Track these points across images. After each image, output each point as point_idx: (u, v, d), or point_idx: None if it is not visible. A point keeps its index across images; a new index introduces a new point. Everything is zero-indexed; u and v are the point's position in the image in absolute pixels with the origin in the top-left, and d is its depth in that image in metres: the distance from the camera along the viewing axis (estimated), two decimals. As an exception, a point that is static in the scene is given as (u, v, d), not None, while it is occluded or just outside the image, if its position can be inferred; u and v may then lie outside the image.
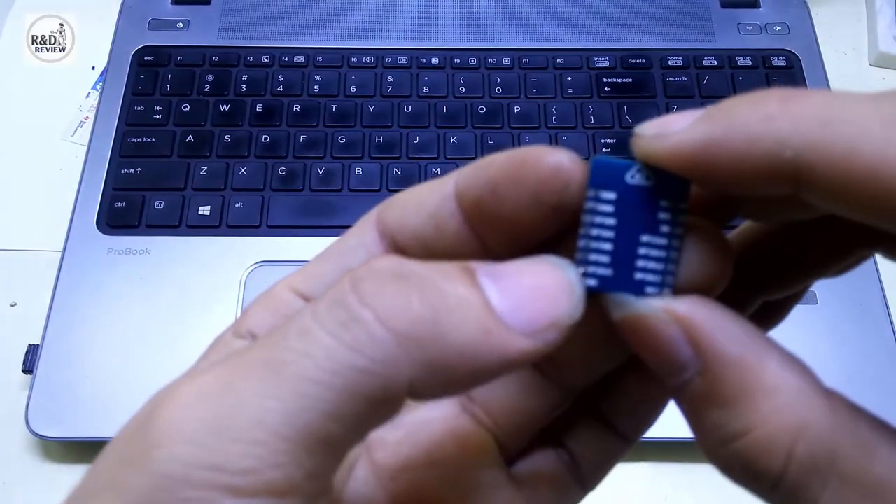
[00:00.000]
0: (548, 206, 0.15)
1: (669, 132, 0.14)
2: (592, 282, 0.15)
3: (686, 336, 0.14)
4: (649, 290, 0.15)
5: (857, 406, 0.14)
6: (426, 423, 0.18)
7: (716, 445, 0.14)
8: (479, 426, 0.18)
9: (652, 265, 0.15)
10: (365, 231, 0.17)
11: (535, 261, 0.14)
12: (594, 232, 0.15)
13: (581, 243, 0.15)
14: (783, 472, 0.13)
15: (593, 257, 0.15)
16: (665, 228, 0.15)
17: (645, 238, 0.15)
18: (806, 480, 0.13)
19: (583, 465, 0.19)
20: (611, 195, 0.15)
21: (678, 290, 0.15)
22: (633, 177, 0.15)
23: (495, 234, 0.16)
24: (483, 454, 0.18)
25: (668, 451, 0.42)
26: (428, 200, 0.16)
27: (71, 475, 0.42)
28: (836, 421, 0.13)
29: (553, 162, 0.15)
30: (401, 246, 0.16)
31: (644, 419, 0.19)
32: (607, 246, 0.15)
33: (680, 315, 0.14)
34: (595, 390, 0.19)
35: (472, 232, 0.16)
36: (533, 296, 0.14)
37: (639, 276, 0.15)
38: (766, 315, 0.19)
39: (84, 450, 0.43)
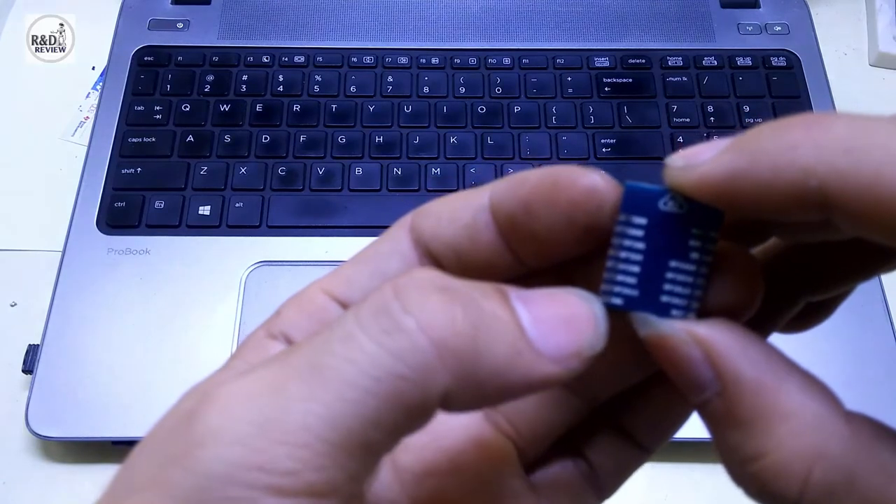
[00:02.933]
0: (580, 227, 0.15)
1: (697, 163, 0.14)
2: (618, 300, 0.15)
3: (706, 358, 0.14)
4: (674, 312, 0.15)
5: (882, 427, 0.14)
6: (449, 429, 0.18)
7: (734, 465, 0.14)
8: (501, 434, 0.18)
9: (678, 289, 0.15)
10: (399, 238, 0.17)
11: (565, 291, 0.15)
12: (623, 255, 0.15)
13: (610, 263, 0.15)
14: (800, 497, 0.13)
15: (620, 278, 0.15)
16: (694, 255, 0.15)
17: (673, 263, 0.15)
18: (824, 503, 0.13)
19: (600, 475, 0.19)
20: (642, 220, 0.15)
21: (705, 314, 0.15)
22: (666, 204, 0.15)
23: (528, 249, 0.16)
24: (504, 461, 0.18)
25: (668, 451, 0.42)
26: (462, 212, 0.16)
27: (71, 475, 0.42)
28: (856, 446, 0.13)
29: (587, 184, 0.15)
30: (434, 254, 0.16)
31: (665, 431, 0.19)
32: (635, 268, 0.15)
33: (701, 337, 0.14)
34: (615, 401, 0.19)
35: (505, 244, 0.16)
36: (561, 324, 0.14)
37: (665, 298, 0.15)
38: (811, 313, 0.19)
39: (84, 450, 0.43)
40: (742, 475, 0.14)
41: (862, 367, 0.44)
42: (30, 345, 0.43)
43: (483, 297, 0.14)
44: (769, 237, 0.17)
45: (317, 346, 0.13)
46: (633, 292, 0.15)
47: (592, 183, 0.15)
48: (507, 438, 0.18)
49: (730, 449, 0.14)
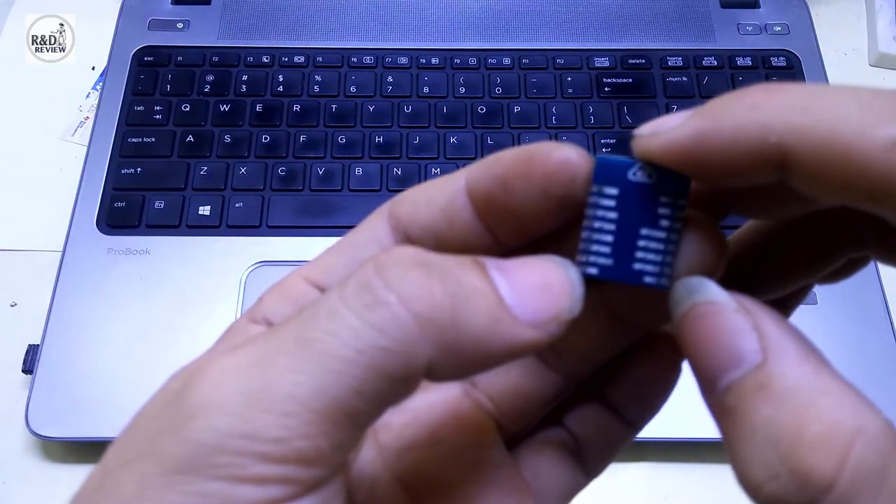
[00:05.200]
0: (555, 200, 0.16)
1: (663, 130, 0.15)
2: (593, 270, 0.16)
3: (755, 327, 0.14)
4: (647, 279, 0.16)
5: None
6: (429, 406, 0.19)
7: (759, 450, 0.13)
8: (481, 410, 0.19)
9: (651, 256, 0.16)
10: (377, 225, 0.17)
11: (541, 259, 0.15)
12: (597, 224, 0.16)
13: (584, 234, 0.16)
14: (836, 478, 0.12)
15: (595, 247, 0.16)
16: (664, 223, 0.16)
17: (644, 231, 0.16)
18: (857, 490, 0.12)
19: (586, 451, 0.19)
20: (613, 191, 0.16)
21: (676, 279, 0.16)
22: (635, 174, 0.16)
23: (505, 227, 0.16)
24: (483, 435, 0.19)
25: (668, 451, 0.42)
26: (439, 195, 0.17)
27: (71, 475, 0.42)
28: (891, 434, 0.13)
29: (560, 157, 0.15)
30: (412, 239, 0.17)
31: (650, 405, 0.19)
32: (608, 237, 0.16)
33: (750, 307, 0.14)
34: (601, 376, 0.19)
35: (482, 225, 0.16)
36: (538, 291, 0.15)
37: (637, 266, 0.16)
38: None
39: (84, 450, 0.43)
40: (767, 462, 0.13)
41: (862, 367, 0.44)
42: (30, 345, 0.43)
43: (461, 269, 0.14)
44: (730, 213, 0.17)
45: (302, 321, 0.14)
46: (608, 261, 0.16)
47: (566, 156, 0.15)
48: (487, 414, 0.19)
49: (758, 429, 0.13)
